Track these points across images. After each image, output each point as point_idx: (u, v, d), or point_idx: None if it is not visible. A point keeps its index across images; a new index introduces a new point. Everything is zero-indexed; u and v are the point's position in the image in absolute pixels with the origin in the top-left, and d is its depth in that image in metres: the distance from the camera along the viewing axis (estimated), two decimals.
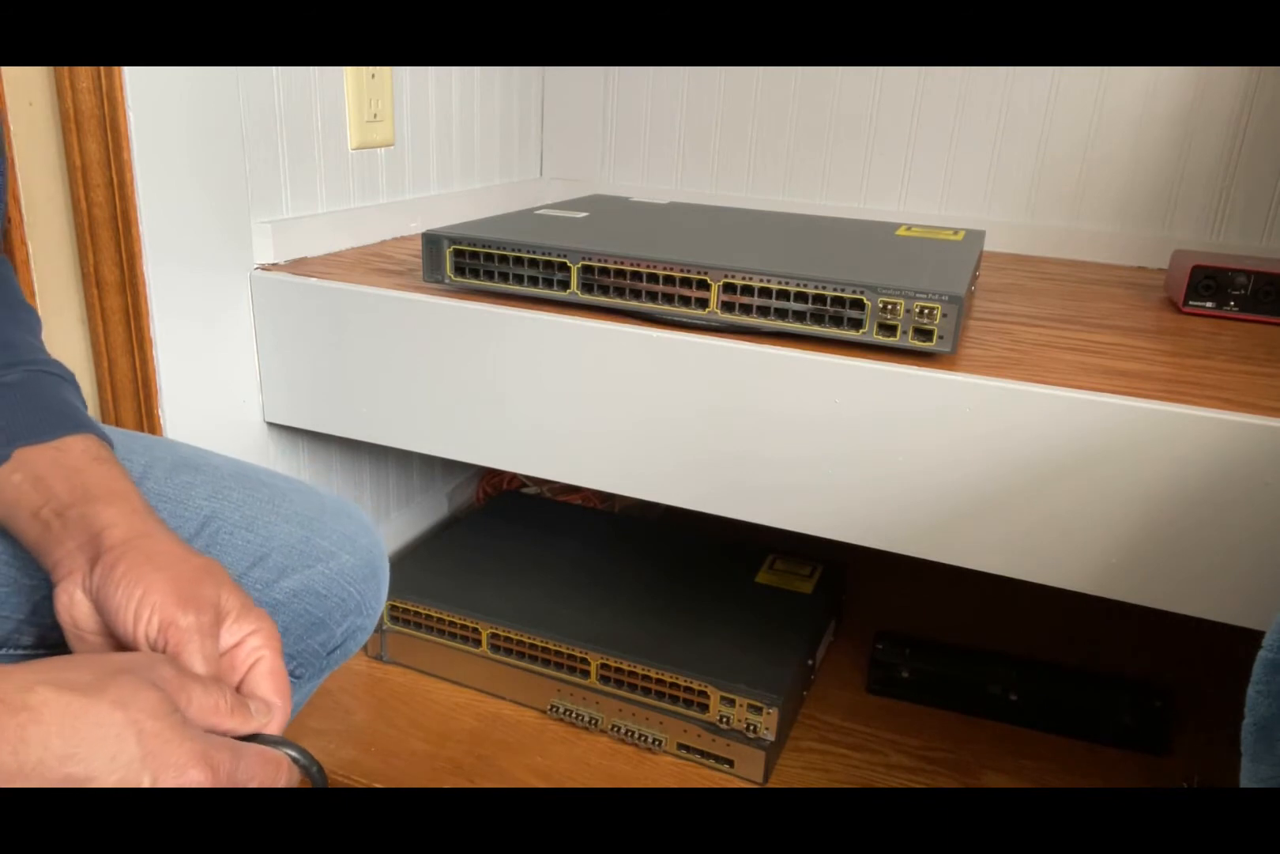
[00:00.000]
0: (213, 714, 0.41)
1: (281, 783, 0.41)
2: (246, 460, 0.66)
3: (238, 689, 0.45)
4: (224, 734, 0.41)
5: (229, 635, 0.46)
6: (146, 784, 0.35)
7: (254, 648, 0.46)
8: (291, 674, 0.61)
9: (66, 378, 0.56)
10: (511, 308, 0.77)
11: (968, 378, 0.65)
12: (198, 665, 0.43)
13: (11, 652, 0.54)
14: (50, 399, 0.53)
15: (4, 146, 0.56)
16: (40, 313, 0.79)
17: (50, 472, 0.49)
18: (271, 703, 0.45)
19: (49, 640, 0.54)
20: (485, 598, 0.96)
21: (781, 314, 0.70)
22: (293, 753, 0.42)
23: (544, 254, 0.75)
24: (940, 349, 0.66)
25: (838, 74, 1.13)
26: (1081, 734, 0.91)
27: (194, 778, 0.36)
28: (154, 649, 0.44)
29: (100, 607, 0.45)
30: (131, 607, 0.44)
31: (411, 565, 1.03)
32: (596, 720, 0.90)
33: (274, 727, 0.44)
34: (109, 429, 0.57)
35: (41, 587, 0.53)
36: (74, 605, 0.45)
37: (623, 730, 0.89)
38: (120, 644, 0.45)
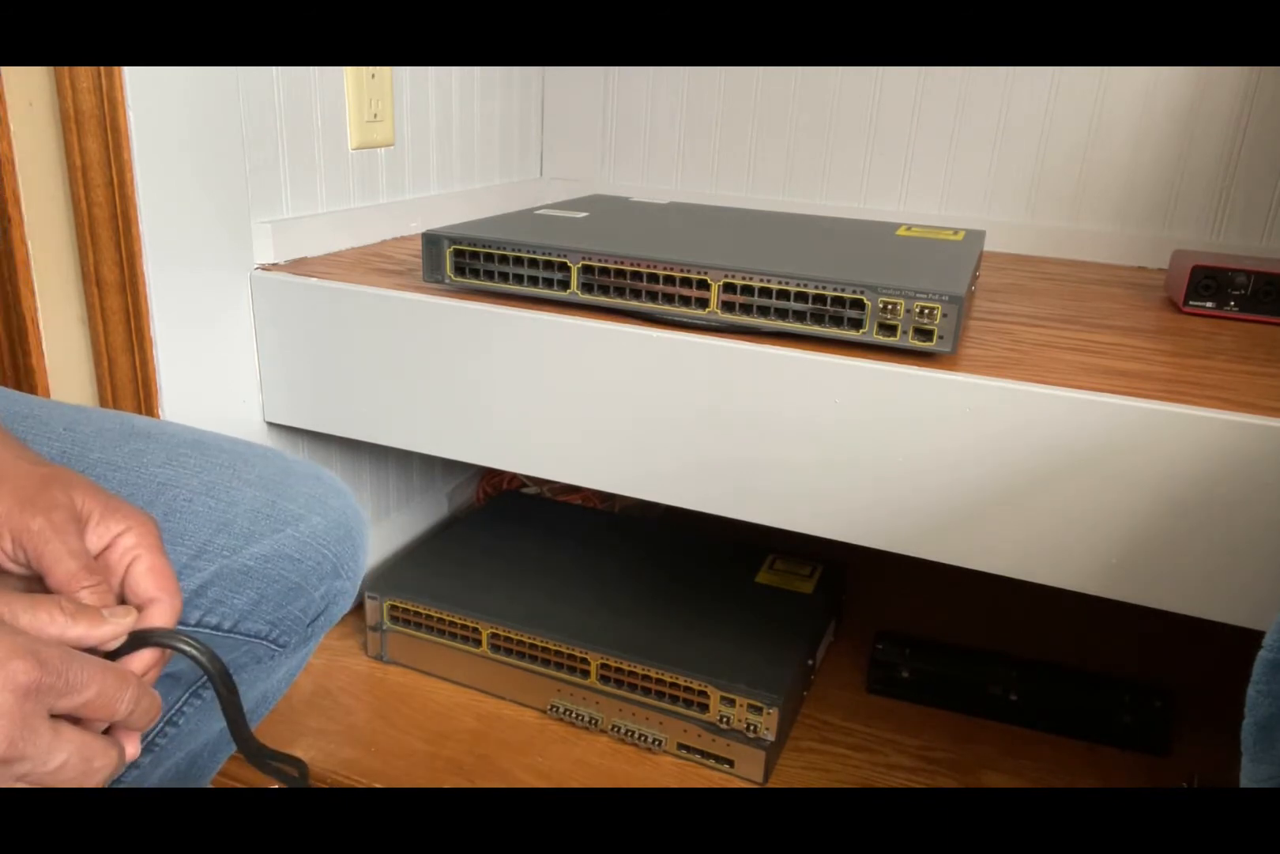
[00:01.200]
0: (48, 626, 0.39)
1: (125, 700, 0.38)
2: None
3: (120, 595, 0.43)
4: (79, 645, 0.39)
5: (95, 538, 0.43)
6: None
7: (126, 548, 0.44)
8: (275, 643, 0.59)
9: None
10: (511, 308, 0.77)
11: (968, 378, 0.65)
12: (63, 567, 0.41)
13: None
14: None
15: None
16: (40, 313, 0.79)
17: None
18: (154, 601, 0.43)
19: None
20: (485, 598, 0.96)
21: (781, 314, 0.70)
22: (182, 645, 0.41)
23: (544, 254, 0.75)
24: (940, 349, 0.66)
25: (838, 74, 1.13)
26: (1081, 734, 0.91)
27: (17, 667, 0.35)
28: (14, 561, 0.42)
29: None
30: None
31: (411, 565, 1.03)
32: (596, 720, 0.90)
33: (162, 620, 0.42)
34: (6, 392, 0.55)
35: None
36: None
37: (623, 730, 0.89)
38: None
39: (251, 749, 0.45)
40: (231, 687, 0.43)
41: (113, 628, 0.40)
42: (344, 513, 0.62)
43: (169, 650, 0.42)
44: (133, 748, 0.40)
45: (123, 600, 0.44)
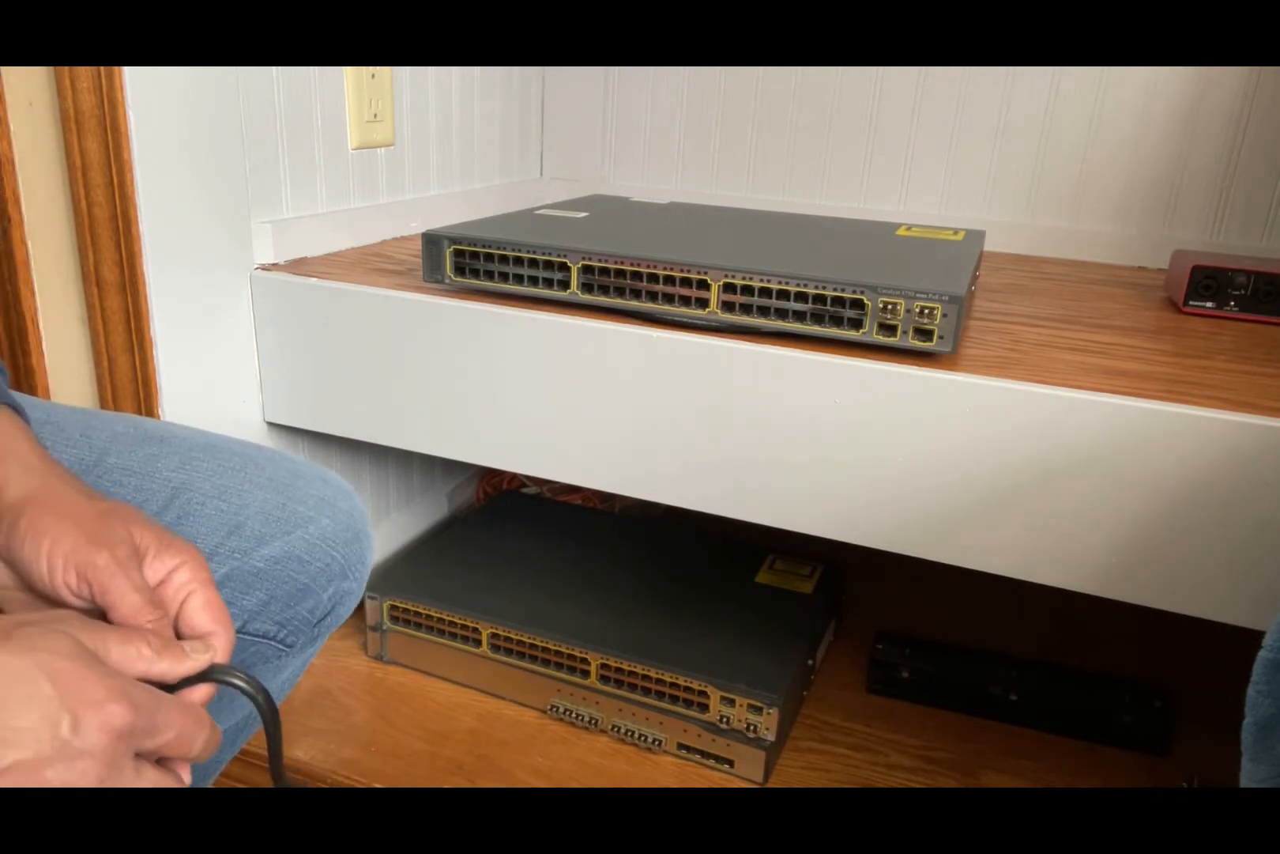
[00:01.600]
0: (136, 661, 0.40)
1: (201, 740, 0.39)
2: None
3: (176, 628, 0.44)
4: (159, 680, 0.40)
5: (151, 573, 0.44)
6: (65, 720, 0.34)
7: (181, 583, 0.45)
8: (282, 643, 0.60)
9: None
10: (511, 308, 0.77)
11: (968, 378, 0.65)
12: (128, 602, 0.42)
13: None
14: None
15: None
16: (40, 313, 0.79)
17: None
18: (211, 635, 0.44)
19: None
20: (485, 598, 0.96)
21: (782, 314, 0.70)
22: (238, 682, 0.41)
23: (544, 254, 0.75)
24: (940, 349, 0.66)
25: (838, 74, 1.13)
26: (1081, 734, 0.91)
27: (114, 712, 0.35)
28: (78, 596, 0.43)
29: (14, 566, 0.44)
30: (42, 560, 0.43)
31: (411, 565, 1.03)
32: (596, 720, 0.90)
33: (219, 656, 0.43)
34: (24, 398, 0.56)
35: None
36: None
37: (623, 730, 0.89)
38: (47, 599, 0.45)
39: (283, 782, 0.47)
40: (278, 723, 0.45)
41: (193, 664, 0.42)
42: (351, 515, 0.63)
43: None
44: (187, 777, 0.41)
45: (178, 633, 0.45)
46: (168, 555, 0.45)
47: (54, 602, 0.44)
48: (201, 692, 0.42)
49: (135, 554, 0.44)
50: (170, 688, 0.41)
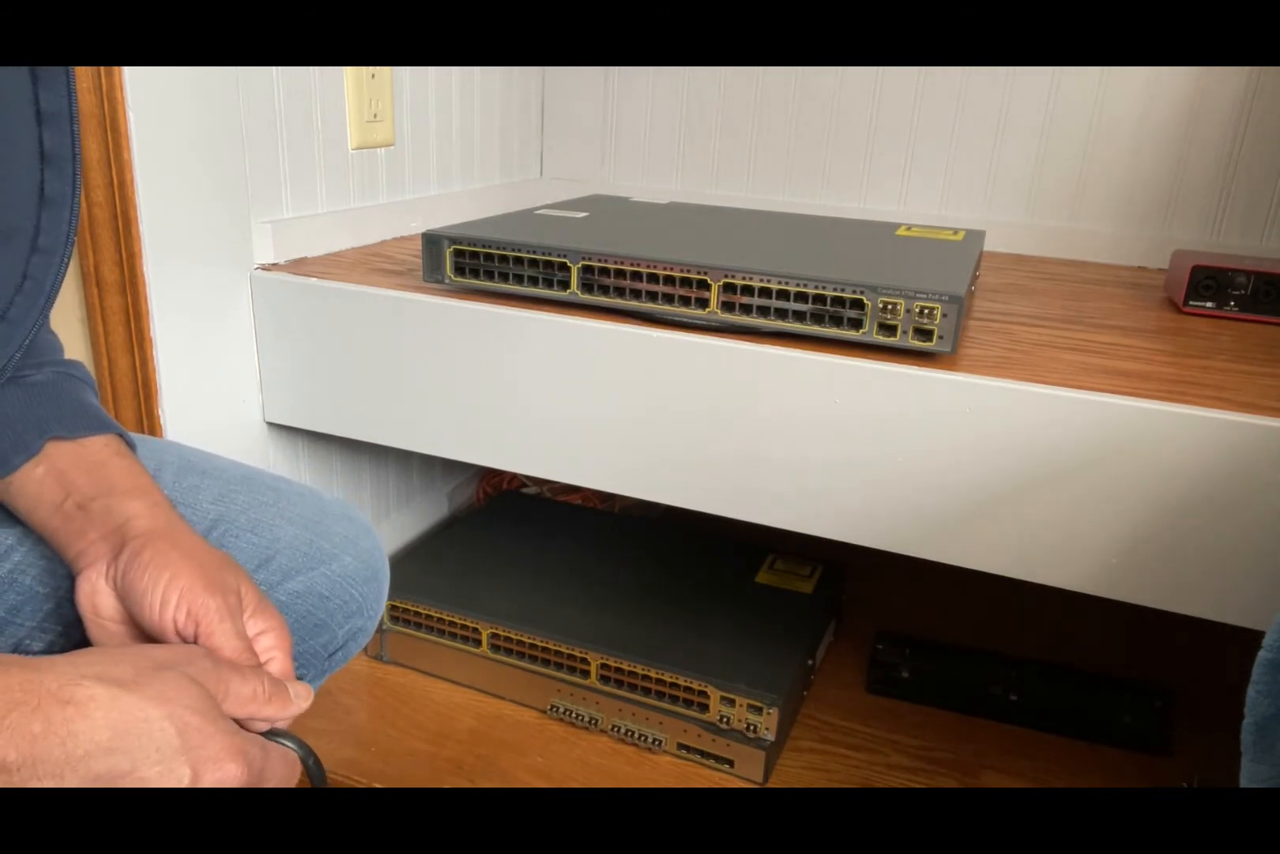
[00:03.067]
0: (251, 702, 0.42)
1: (294, 783, 0.42)
2: (247, 460, 0.67)
3: None
4: (264, 720, 0.42)
5: (250, 628, 0.47)
6: (186, 775, 0.36)
7: (266, 647, 0.47)
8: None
9: (88, 382, 0.57)
10: (511, 308, 0.77)
11: (968, 378, 0.65)
12: (231, 646, 0.44)
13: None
14: (75, 400, 0.54)
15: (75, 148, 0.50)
16: None
17: (73, 466, 0.50)
18: (300, 691, 0.45)
19: (56, 647, 0.55)
20: (485, 598, 0.96)
21: (781, 314, 0.70)
22: (292, 745, 0.43)
23: (544, 254, 0.75)
24: (940, 349, 0.66)
25: (838, 74, 1.13)
26: (1082, 734, 0.91)
27: (231, 772, 0.38)
28: (181, 634, 0.45)
29: (125, 593, 0.46)
30: (159, 591, 0.45)
31: (411, 565, 1.03)
32: (596, 720, 0.90)
33: (284, 722, 0.45)
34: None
35: (53, 595, 0.54)
36: (96, 593, 0.47)
37: (623, 730, 0.89)
38: (142, 631, 0.46)
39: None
40: (325, 782, 0.48)
41: (296, 709, 0.44)
42: (372, 554, 0.64)
43: None
44: None
45: None
46: (261, 618, 0.47)
47: (151, 637, 0.46)
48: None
49: (241, 606, 0.46)
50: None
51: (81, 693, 0.35)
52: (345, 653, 0.64)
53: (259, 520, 0.60)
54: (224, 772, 0.37)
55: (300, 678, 0.62)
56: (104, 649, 0.41)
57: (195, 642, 0.45)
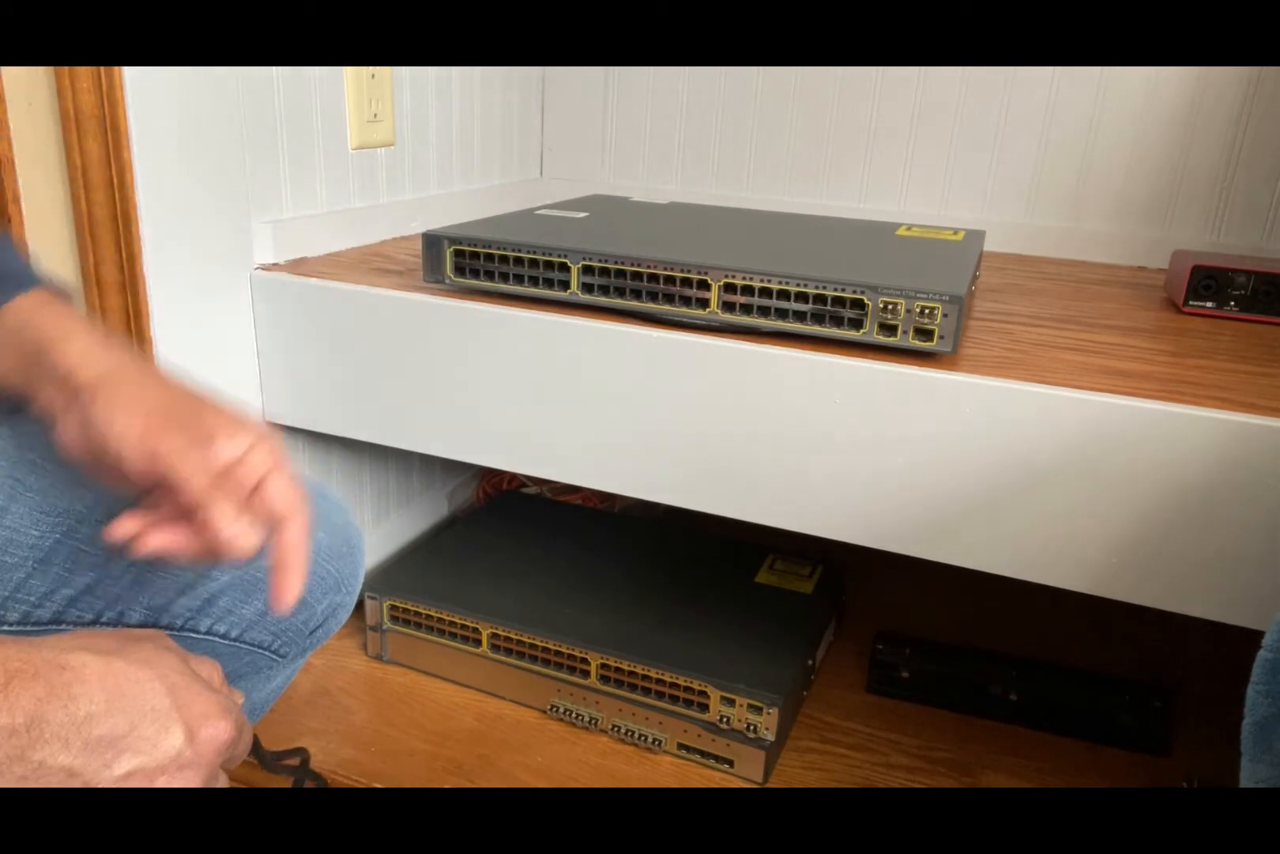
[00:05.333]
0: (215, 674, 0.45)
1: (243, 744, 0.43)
2: None
3: (247, 506, 0.46)
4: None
5: (224, 453, 0.46)
6: (180, 732, 0.38)
7: (255, 464, 0.47)
8: (275, 653, 0.62)
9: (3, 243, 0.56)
10: (511, 308, 0.77)
11: (968, 378, 0.65)
12: (196, 483, 0.44)
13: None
14: None
15: None
16: None
17: (6, 336, 0.50)
18: (286, 519, 0.47)
19: (31, 618, 0.55)
20: (485, 598, 0.96)
21: (782, 314, 0.70)
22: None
23: (544, 254, 0.75)
24: (941, 349, 0.66)
25: (838, 74, 1.12)
26: (1081, 734, 0.91)
27: (222, 728, 0.40)
28: (147, 478, 0.45)
29: (93, 449, 0.47)
30: (118, 444, 0.45)
31: (411, 565, 1.03)
32: (596, 720, 0.90)
33: (294, 539, 0.47)
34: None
35: (22, 565, 0.54)
36: (70, 437, 0.47)
37: (623, 730, 0.89)
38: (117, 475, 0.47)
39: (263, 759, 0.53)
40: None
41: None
42: (346, 529, 0.65)
43: None
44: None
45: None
46: (240, 436, 0.47)
47: (123, 479, 0.47)
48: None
49: (205, 438, 0.46)
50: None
51: (75, 660, 0.37)
52: (325, 630, 0.65)
53: None
54: (216, 728, 0.39)
55: (282, 656, 0.63)
56: (82, 630, 0.43)
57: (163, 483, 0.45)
